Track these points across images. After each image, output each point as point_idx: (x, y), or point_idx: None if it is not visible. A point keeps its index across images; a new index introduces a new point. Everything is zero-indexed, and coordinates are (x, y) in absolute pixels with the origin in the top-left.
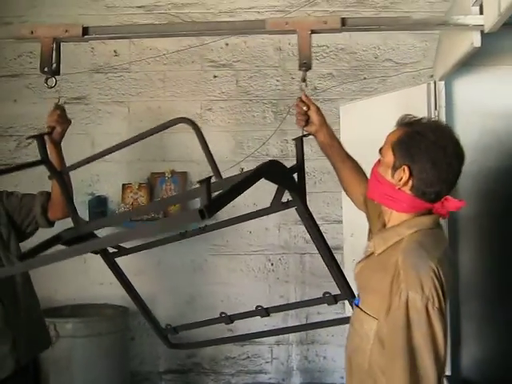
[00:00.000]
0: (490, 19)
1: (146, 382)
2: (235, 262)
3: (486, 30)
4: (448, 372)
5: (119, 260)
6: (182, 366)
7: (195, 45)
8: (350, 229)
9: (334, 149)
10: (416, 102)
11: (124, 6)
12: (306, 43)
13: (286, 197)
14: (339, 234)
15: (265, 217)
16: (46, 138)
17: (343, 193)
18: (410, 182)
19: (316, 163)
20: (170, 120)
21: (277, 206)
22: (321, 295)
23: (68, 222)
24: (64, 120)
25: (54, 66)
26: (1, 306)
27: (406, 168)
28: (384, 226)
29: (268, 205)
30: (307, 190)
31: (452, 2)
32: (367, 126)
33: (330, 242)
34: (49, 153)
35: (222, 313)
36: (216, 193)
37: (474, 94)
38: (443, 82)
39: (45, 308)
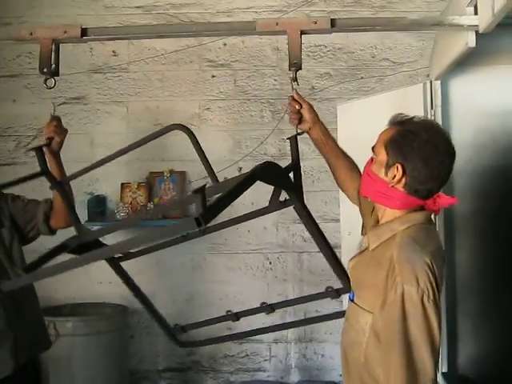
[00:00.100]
0: (484, 20)
1: (145, 380)
2: (234, 261)
3: (481, 31)
4: (444, 369)
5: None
6: (181, 364)
7: (193, 45)
8: (348, 227)
9: (327, 145)
10: (412, 102)
11: (122, 7)
12: (296, 43)
13: (284, 195)
14: (337, 233)
15: (263, 216)
16: (44, 149)
17: (341, 192)
18: (403, 180)
19: (313, 162)
20: (165, 127)
21: (275, 205)
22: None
23: (70, 230)
24: (61, 130)
25: (53, 66)
26: (2, 307)
27: (399, 166)
28: (377, 222)
29: (266, 204)
30: (305, 188)
31: (448, 2)
32: (364, 126)
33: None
34: (48, 163)
35: (228, 311)
36: (214, 197)
37: (469, 94)
38: (439, 82)
39: (44, 307)
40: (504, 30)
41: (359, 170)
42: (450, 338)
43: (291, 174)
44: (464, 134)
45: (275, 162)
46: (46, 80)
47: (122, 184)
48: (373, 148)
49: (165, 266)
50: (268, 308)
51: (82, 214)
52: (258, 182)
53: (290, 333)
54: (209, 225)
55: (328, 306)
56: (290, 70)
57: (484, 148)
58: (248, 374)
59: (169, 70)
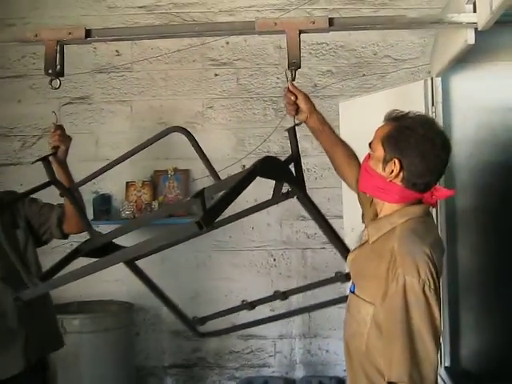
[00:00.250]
0: (482, 17)
1: (151, 377)
2: (238, 258)
3: (480, 28)
4: (447, 363)
5: None
6: (187, 360)
7: (196, 44)
8: (351, 224)
9: (324, 134)
10: (414, 98)
11: (125, 7)
12: (295, 43)
13: (287, 187)
14: (340, 229)
15: (267, 213)
16: (51, 158)
17: (344, 188)
18: (401, 175)
19: (316, 159)
20: (164, 130)
21: (278, 197)
22: (323, 292)
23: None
24: (65, 138)
25: (58, 67)
26: (15, 306)
27: (396, 161)
28: (376, 214)
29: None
30: (307, 185)
31: (447, 0)
32: (366, 122)
33: None
34: (56, 172)
35: (243, 300)
36: (216, 195)
37: (469, 90)
38: (440, 79)
39: None
40: (502, 27)
41: (357, 158)
42: (453, 333)
43: (292, 166)
44: (465, 129)
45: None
46: (51, 81)
47: (127, 183)
48: (370, 144)
49: (170, 264)
50: (281, 295)
51: (88, 213)
52: (259, 179)
53: (295, 329)
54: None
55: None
56: (288, 69)
57: (485, 143)
58: (253, 370)
59: (172, 69)
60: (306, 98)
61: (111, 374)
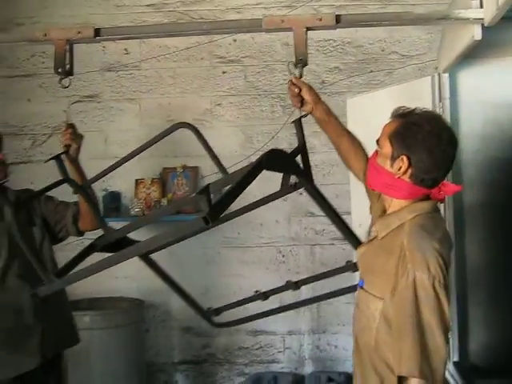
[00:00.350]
0: (489, 13)
1: (161, 373)
2: (247, 254)
3: (486, 24)
4: (455, 358)
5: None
6: (197, 356)
7: (204, 42)
8: (359, 220)
9: (330, 124)
10: (421, 94)
11: (133, 5)
12: (302, 40)
13: (295, 179)
14: (348, 225)
15: (275, 209)
16: (63, 157)
17: (352, 185)
18: (409, 171)
19: (324, 156)
20: (171, 126)
21: (286, 189)
22: (332, 286)
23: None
24: (77, 136)
25: (68, 66)
26: (31, 302)
27: (404, 158)
28: (384, 210)
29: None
30: (316, 182)
31: None
32: (374, 119)
33: (339, 233)
34: (68, 170)
35: (257, 290)
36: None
37: (476, 86)
38: (447, 74)
39: None
40: (509, 22)
41: (364, 148)
42: (461, 328)
43: (299, 158)
44: (472, 125)
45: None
46: (61, 80)
47: (136, 180)
48: (377, 141)
49: (179, 261)
50: (293, 285)
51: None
52: (267, 174)
53: (304, 324)
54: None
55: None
56: (296, 66)
57: (492, 139)
58: (262, 366)
59: (180, 66)
60: (310, 89)
61: (121, 371)
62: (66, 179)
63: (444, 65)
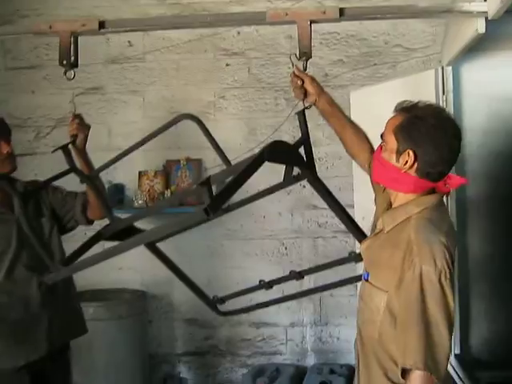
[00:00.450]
0: (493, 6)
1: (164, 364)
2: (250, 247)
3: (490, 17)
4: (457, 351)
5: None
6: (199, 348)
7: (207, 34)
8: (362, 212)
9: (334, 115)
10: (424, 87)
11: None
12: (306, 33)
13: (297, 170)
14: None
15: (278, 202)
16: (70, 146)
17: (355, 177)
18: (415, 165)
19: (328, 148)
20: (175, 117)
21: (289, 180)
22: (335, 277)
23: None
24: (84, 127)
25: (73, 59)
26: (39, 291)
27: (410, 152)
28: (389, 203)
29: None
30: (319, 175)
31: None
32: (377, 112)
33: (342, 226)
34: (76, 160)
35: (261, 280)
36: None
37: (480, 79)
38: (451, 68)
39: None
40: None
41: (368, 138)
42: (463, 321)
43: (302, 149)
44: (476, 118)
45: (285, 141)
46: (65, 72)
47: (140, 172)
48: (382, 135)
49: (182, 252)
50: (297, 275)
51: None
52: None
53: (306, 317)
54: (225, 205)
55: (343, 289)
56: (299, 59)
57: (496, 132)
58: (265, 358)
59: (184, 59)
60: (313, 80)
61: (125, 361)
62: (72, 169)
63: (448, 58)
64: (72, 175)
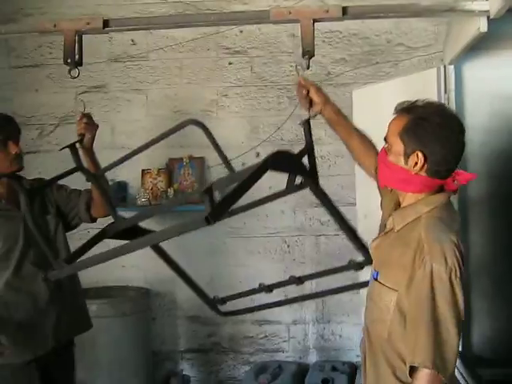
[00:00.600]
0: (495, 5)
1: (167, 361)
2: (253, 244)
3: (492, 16)
4: (459, 348)
5: None
6: (202, 345)
7: (210, 33)
8: (364, 211)
9: (340, 123)
10: (427, 86)
11: None
12: (309, 31)
13: (300, 178)
14: (353, 216)
15: (280, 200)
16: (77, 145)
17: (357, 176)
18: (425, 166)
19: (330, 147)
20: (181, 122)
21: (292, 188)
22: (336, 279)
23: None
24: (92, 126)
25: (77, 57)
26: (47, 288)
27: (419, 153)
28: (397, 203)
29: (284, 187)
30: (321, 173)
31: None
32: (380, 110)
33: None
34: (82, 159)
35: (261, 283)
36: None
37: (482, 78)
38: (453, 66)
39: None
40: None
41: (374, 145)
42: (465, 319)
43: (305, 158)
44: (478, 117)
45: (290, 148)
46: (70, 70)
47: (143, 170)
48: (385, 139)
49: (185, 250)
50: (297, 280)
51: None
52: None
53: (308, 314)
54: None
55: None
56: (303, 57)
57: (498, 131)
58: (267, 355)
59: (187, 57)
60: (318, 89)
61: (128, 358)
62: (79, 167)
63: (450, 57)
64: (76, 174)
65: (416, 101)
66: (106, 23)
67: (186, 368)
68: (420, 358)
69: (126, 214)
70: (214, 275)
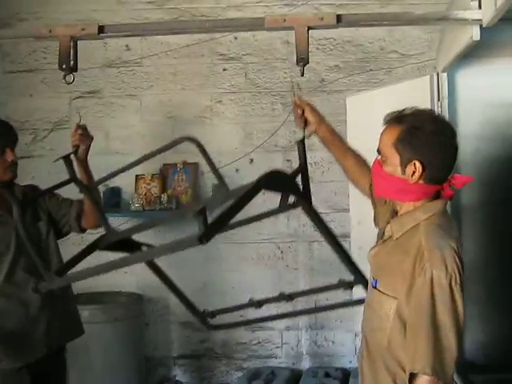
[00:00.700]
0: (487, 14)
1: (160, 367)
2: (246, 250)
3: (485, 25)
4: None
5: None
6: (195, 351)
7: (205, 39)
8: (357, 217)
9: (335, 143)
10: (420, 93)
11: (135, 2)
12: (304, 39)
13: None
14: (347, 222)
15: (274, 206)
16: (72, 157)
17: (350, 182)
18: (423, 174)
19: (323, 153)
20: (175, 140)
21: (284, 207)
22: (330, 281)
23: None
24: (86, 138)
25: (72, 63)
26: (38, 295)
27: (416, 163)
28: (396, 212)
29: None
30: (315, 179)
31: None
32: (373, 117)
33: (337, 230)
34: (76, 170)
35: (251, 298)
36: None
37: (475, 85)
38: (446, 74)
39: None
40: (507, 23)
41: (368, 165)
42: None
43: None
44: (470, 125)
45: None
46: (65, 76)
47: (137, 176)
48: (378, 150)
49: (178, 255)
50: (286, 297)
51: None
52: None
53: (301, 320)
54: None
55: (338, 294)
56: (297, 65)
57: (490, 139)
58: (260, 361)
59: (181, 63)
60: (313, 110)
61: (121, 364)
62: (73, 179)
63: (443, 64)
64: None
65: (404, 109)
66: (101, 29)
67: (179, 374)
68: (420, 365)
69: (120, 219)
70: (207, 281)
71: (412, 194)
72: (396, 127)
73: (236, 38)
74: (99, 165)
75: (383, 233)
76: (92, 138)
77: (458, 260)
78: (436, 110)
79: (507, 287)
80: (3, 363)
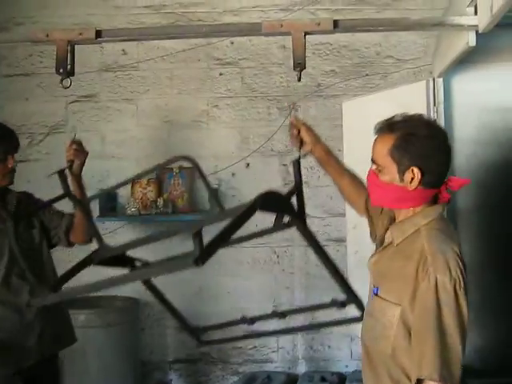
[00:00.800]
0: (483, 20)
1: (156, 371)
2: (242, 255)
3: (480, 30)
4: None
5: None
6: (191, 355)
7: (201, 44)
8: (353, 221)
9: (330, 164)
10: (416, 98)
11: (132, 6)
12: (300, 44)
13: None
14: (343, 227)
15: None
16: (66, 172)
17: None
18: (422, 180)
19: None
20: (172, 158)
21: (279, 226)
22: (325, 286)
23: None
24: (81, 153)
25: (69, 67)
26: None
27: (414, 169)
28: (394, 219)
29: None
30: (311, 183)
31: (449, 2)
32: (369, 122)
33: (333, 235)
34: (70, 185)
35: (243, 316)
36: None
37: (471, 91)
38: (442, 79)
39: None
40: (503, 29)
41: (363, 184)
42: None
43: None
44: (466, 129)
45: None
46: (62, 80)
47: (133, 180)
48: (373, 160)
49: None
50: (279, 314)
51: (93, 210)
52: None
53: (297, 325)
54: None
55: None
56: (294, 69)
57: (486, 143)
58: (256, 365)
59: (177, 68)
60: (309, 130)
61: (116, 369)
62: (67, 194)
63: (439, 69)
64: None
65: (393, 117)
66: (98, 34)
67: (175, 378)
68: (427, 371)
69: (116, 224)
70: (202, 285)
71: (411, 200)
72: (389, 135)
73: (232, 43)
74: (94, 169)
75: (383, 240)
76: (87, 154)
77: (460, 264)
78: (432, 115)
79: (503, 291)
80: None
